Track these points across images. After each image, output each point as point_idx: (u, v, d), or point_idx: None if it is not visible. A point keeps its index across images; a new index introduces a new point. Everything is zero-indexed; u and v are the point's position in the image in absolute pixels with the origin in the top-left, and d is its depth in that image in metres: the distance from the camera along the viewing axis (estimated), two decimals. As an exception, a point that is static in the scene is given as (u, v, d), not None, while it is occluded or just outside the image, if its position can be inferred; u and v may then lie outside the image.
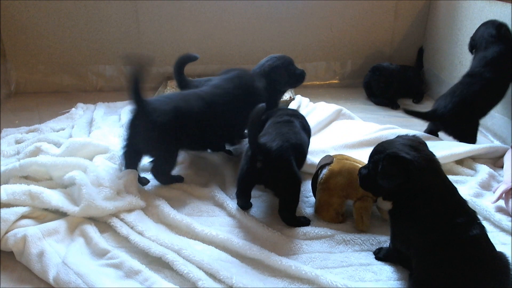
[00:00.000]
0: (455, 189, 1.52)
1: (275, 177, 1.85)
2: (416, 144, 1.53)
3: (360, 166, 1.81)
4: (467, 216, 1.45)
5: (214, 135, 2.28)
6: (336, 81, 3.93)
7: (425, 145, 1.58)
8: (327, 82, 3.95)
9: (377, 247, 1.76)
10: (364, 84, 3.65)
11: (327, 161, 1.98)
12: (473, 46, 2.71)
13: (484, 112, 2.63)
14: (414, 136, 1.63)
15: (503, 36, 2.52)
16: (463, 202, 1.50)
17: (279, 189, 1.89)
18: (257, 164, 1.82)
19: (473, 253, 1.40)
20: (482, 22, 2.97)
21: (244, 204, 1.97)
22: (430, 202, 1.46)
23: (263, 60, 2.54)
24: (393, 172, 1.47)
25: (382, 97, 3.51)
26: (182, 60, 2.42)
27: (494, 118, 2.81)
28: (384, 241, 1.80)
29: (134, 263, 1.62)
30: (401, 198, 1.52)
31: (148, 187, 2.17)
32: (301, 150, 1.98)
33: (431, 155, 1.54)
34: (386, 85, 3.47)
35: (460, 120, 2.55)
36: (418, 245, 1.49)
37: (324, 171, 1.94)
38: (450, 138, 2.64)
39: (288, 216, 1.90)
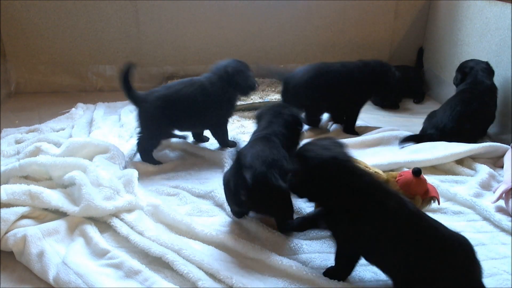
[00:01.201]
0: (372, 179, 1.52)
1: (265, 205, 1.80)
2: (329, 144, 1.56)
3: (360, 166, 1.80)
4: (395, 197, 1.46)
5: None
6: (336, 81, 3.92)
7: (339, 145, 1.59)
8: (327, 82, 3.94)
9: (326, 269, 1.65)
10: None
11: (327, 161, 1.97)
12: (464, 73, 2.77)
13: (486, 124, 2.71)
14: (330, 138, 1.74)
15: (491, 70, 2.74)
16: (385, 188, 1.52)
17: (273, 213, 1.85)
18: (241, 197, 1.73)
19: (424, 222, 1.42)
20: (482, 22, 2.98)
21: (240, 215, 1.92)
22: (356, 194, 1.45)
23: (224, 62, 2.47)
24: (299, 168, 1.53)
25: (382, 102, 3.45)
26: (125, 72, 2.31)
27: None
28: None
29: (134, 263, 1.62)
30: (323, 198, 1.54)
31: (148, 187, 2.17)
32: (281, 163, 1.84)
33: (342, 153, 1.54)
34: (386, 93, 3.40)
35: (463, 135, 2.57)
36: (368, 239, 1.46)
37: (324, 171, 1.94)
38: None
39: (289, 229, 1.84)
